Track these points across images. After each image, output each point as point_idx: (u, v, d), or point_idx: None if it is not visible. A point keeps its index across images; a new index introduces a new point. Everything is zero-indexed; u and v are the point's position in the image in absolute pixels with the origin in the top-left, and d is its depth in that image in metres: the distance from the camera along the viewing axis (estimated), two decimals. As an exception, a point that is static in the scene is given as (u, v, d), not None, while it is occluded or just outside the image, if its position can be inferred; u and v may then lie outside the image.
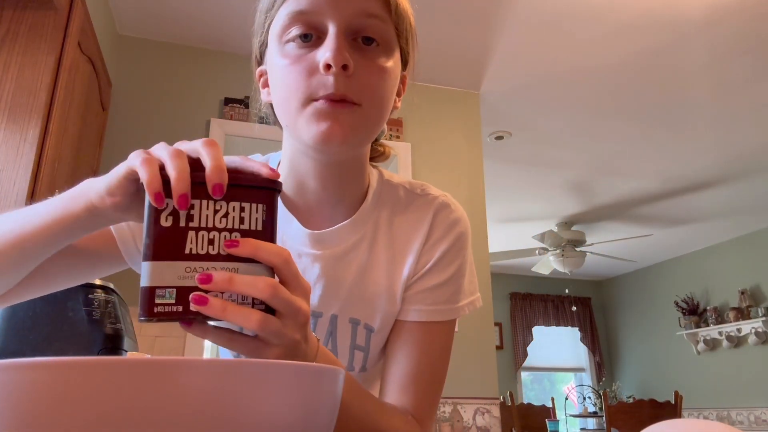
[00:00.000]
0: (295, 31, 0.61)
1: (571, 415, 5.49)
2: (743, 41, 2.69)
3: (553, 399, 4.43)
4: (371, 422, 0.60)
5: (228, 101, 2.69)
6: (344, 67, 0.58)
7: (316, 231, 0.70)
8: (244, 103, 2.71)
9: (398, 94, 0.71)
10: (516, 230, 5.42)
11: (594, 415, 5.49)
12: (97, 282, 1.32)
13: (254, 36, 0.71)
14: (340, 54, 0.57)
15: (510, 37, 2.71)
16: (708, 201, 4.66)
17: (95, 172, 2.30)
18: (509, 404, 4.05)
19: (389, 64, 0.63)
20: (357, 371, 0.74)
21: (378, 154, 0.79)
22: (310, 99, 0.60)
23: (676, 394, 3.29)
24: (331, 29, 0.59)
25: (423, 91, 3.05)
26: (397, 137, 2.90)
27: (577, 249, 5.22)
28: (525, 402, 5.51)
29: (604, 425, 3.22)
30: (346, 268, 0.71)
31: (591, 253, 5.34)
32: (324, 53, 0.58)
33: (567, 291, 7.08)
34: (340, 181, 0.70)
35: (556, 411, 4.41)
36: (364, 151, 0.71)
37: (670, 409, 3.19)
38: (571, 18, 2.56)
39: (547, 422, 3.93)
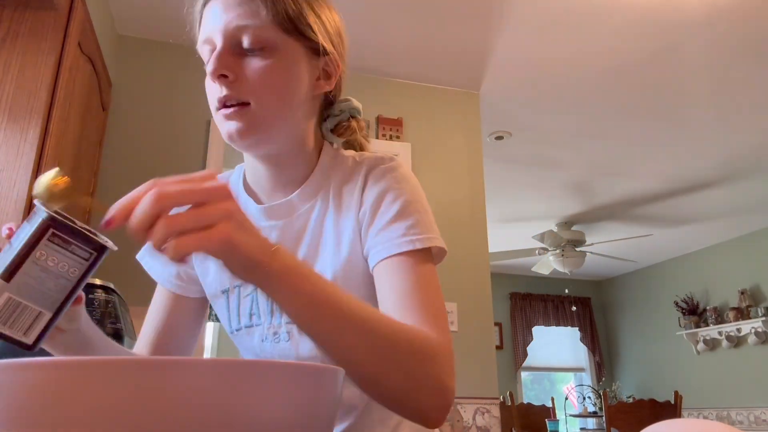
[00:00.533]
0: (205, 56, 0.74)
1: (571, 415, 5.49)
2: (743, 41, 2.69)
3: (553, 399, 4.43)
4: (393, 328, 0.62)
5: (228, 101, 2.69)
6: (224, 76, 0.69)
7: (267, 204, 0.81)
8: (244, 103, 2.71)
9: (327, 77, 0.79)
10: (516, 230, 5.42)
11: (594, 415, 5.49)
12: (97, 282, 1.32)
13: None
14: (215, 67, 0.69)
15: (510, 37, 2.71)
16: (708, 201, 4.66)
17: (95, 173, 2.30)
18: (509, 404, 4.05)
19: (270, 61, 0.71)
20: None
21: (344, 130, 0.87)
22: (216, 107, 0.72)
23: (676, 394, 3.29)
24: (217, 47, 0.71)
25: (423, 91, 3.05)
26: (397, 137, 2.90)
27: (577, 249, 5.22)
28: (525, 402, 5.51)
29: (604, 425, 3.22)
30: (299, 232, 0.80)
31: (591, 253, 5.34)
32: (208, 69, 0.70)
33: (567, 291, 7.07)
34: (280, 165, 0.80)
35: (556, 411, 4.41)
36: (296, 135, 0.78)
37: (670, 409, 3.19)
38: (571, 18, 2.56)
39: (547, 422, 3.93)
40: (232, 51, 0.71)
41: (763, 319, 5.16)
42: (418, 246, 0.72)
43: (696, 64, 2.87)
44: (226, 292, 0.82)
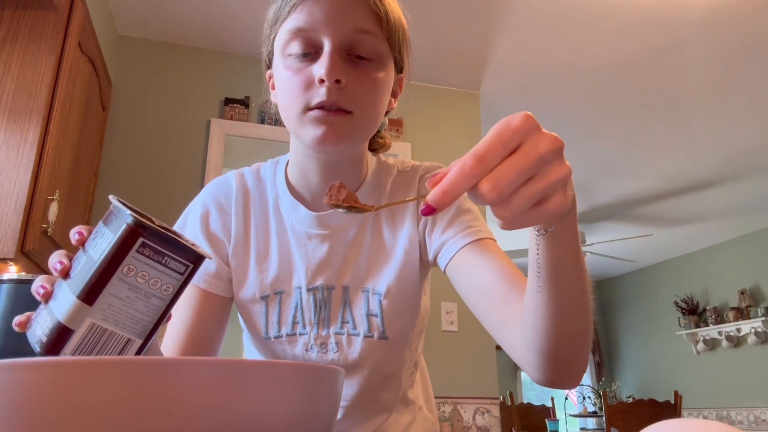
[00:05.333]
0: (295, 47, 0.68)
1: (570, 415, 5.49)
2: (743, 41, 2.69)
3: (552, 399, 4.43)
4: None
5: (228, 101, 2.69)
6: (337, 81, 0.65)
7: (321, 213, 0.78)
8: (244, 103, 2.71)
9: (394, 96, 0.79)
10: (516, 230, 5.41)
11: (594, 414, 5.49)
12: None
13: (263, 45, 0.78)
14: (332, 71, 0.65)
15: (510, 37, 2.71)
16: (708, 201, 4.66)
17: (95, 172, 2.30)
18: (509, 404, 4.05)
19: (380, 75, 0.70)
20: (377, 338, 0.78)
21: (379, 146, 0.89)
22: (307, 107, 0.67)
23: (676, 394, 3.29)
24: (327, 46, 0.66)
25: (423, 91, 3.05)
26: (397, 137, 2.90)
27: (577, 249, 5.22)
28: (525, 402, 5.51)
29: (604, 425, 3.22)
30: (352, 244, 0.79)
31: (591, 253, 5.34)
32: (319, 69, 0.65)
33: (567, 291, 7.07)
34: (339, 175, 0.77)
35: (556, 411, 4.41)
36: (362, 148, 0.79)
37: (670, 409, 3.18)
38: (571, 18, 2.56)
39: (546, 422, 3.93)
40: (341, 54, 0.67)
41: (763, 319, 5.16)
42: (484, 236, 0.76)
43: (696, 64, 2.87)
44: (265, 298, 0.79)
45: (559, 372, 0.62)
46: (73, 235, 0.47)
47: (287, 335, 0.79)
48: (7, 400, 0.31)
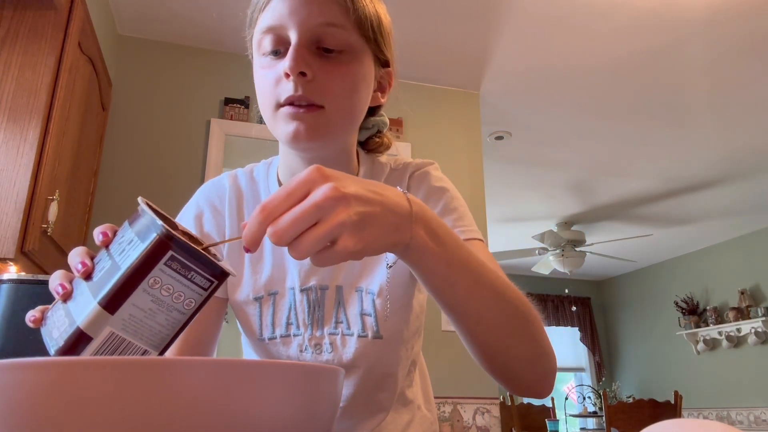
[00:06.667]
0: (266, 45, 0.69)
1: (571, 415, 5.49)
2: (743, 41, 2.69)
3: (552, 399, 4.43)
4: (516, 292, 0.62)
5: (228, 101, 2.69)
6: (302, 74, 0.66)
7: None
8: (244, 103, 2.71)
9: (382, 90, 0.79)
10: (516, 230, 5.42)
11: (594, 414, 5.49)
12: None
13: (247, 48, 0.79)
14: (295, 63, 0.65)
15: (510, 37, 2.71)
16: (708, 201, 4.66)
17: (95, 172, 2.30)
18: (509, 404, 4.05)
19: (353, 67, 0.70)
20: (371, 338, 0.77)
21: (377, 145, 0.86)
22: (278, 103, 0.68)
23: (676, 394, 3.29)
24: (293, 41, 0.66)
25: (423, 91, 3.05)
26: (397, 137, 2.90)
27: (577, 249, 5.22)
28: (525, 402, 5.51)
29: (604, 425, 3.22)
30: None
31: (591, 253, 5.34)
32: (284, 63, 0.66)
33: (567, 291, 7.07)
34: None
35: (556, 411, 4.41)
36: (347, 144, 0.77)
37: (670, 409, 3.19)
38: (571, 18, 2.56)
39: (546, 422, 3.93)
40: (309, 48, 0.67)
41: (763, 319, 5.16)
42: (469, 236, 0.75)
43: (696, 63, 2.87)
44: (259, 299, 0.80)
45: (513, 384, 0.65)
46: (97, 235, 0.46)
47: (281, 336, 0.79)
48: (7, 400, 0.31)
